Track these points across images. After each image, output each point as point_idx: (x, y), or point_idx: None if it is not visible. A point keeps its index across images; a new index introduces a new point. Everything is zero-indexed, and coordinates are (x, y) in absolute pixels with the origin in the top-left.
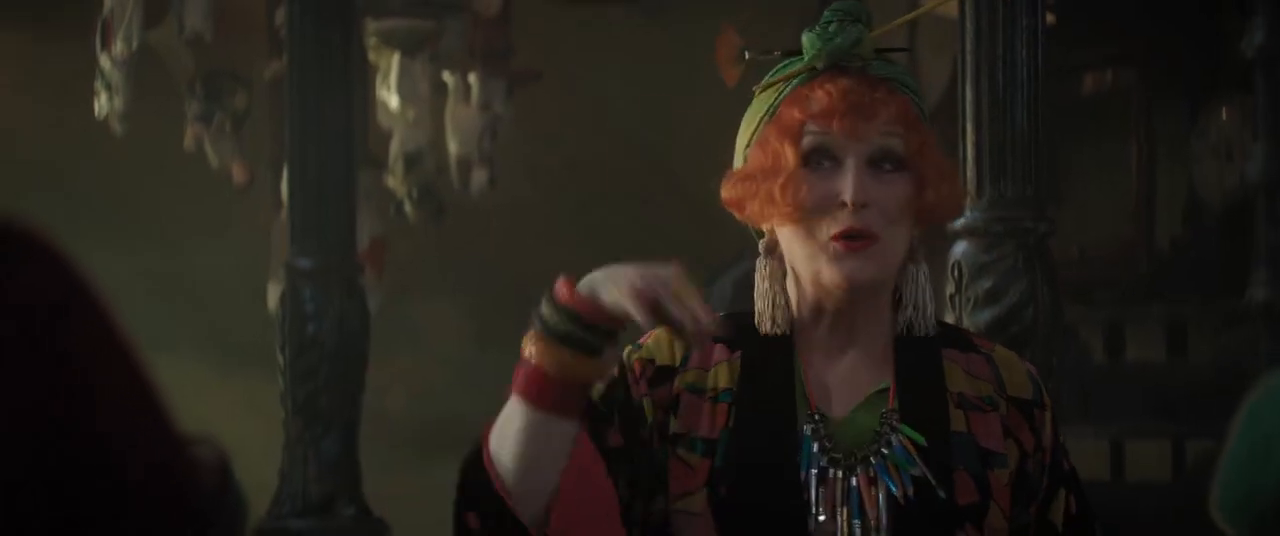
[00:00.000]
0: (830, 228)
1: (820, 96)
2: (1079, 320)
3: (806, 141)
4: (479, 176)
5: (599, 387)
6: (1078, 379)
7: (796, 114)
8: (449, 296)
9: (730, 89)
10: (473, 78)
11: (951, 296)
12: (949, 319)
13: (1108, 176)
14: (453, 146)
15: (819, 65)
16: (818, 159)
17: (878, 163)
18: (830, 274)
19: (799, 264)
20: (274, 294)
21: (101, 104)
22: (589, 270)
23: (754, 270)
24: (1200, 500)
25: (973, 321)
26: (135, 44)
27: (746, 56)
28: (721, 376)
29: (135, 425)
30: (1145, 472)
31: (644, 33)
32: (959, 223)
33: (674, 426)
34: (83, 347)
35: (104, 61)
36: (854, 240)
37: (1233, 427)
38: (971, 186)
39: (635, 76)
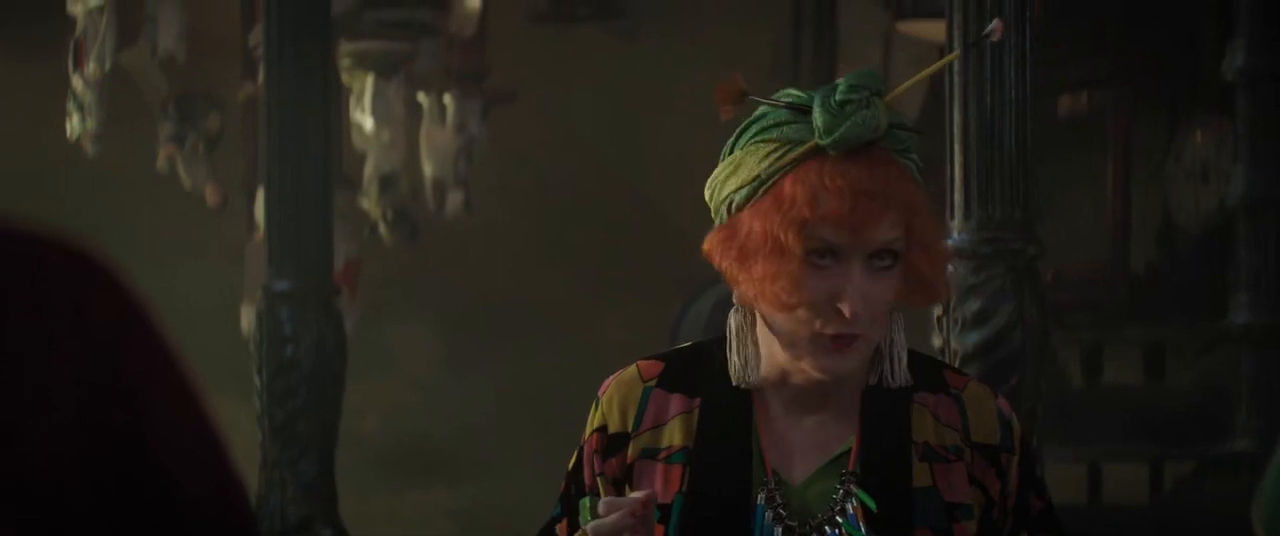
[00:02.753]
0: (821, 325)
1: (830, 200)
2: (1057, 343)
3: (811, 241)
4: (454, 198)
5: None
6: (1056, 401)
7: (804, 210)
8: (421, 318)
9: (713, 106)
10: (448, 99)
11: (939, 318)
12: (936, 341)
13: (1083, 198)
14: (427, 168)
15: (831, 152)
16: (819, 254)
17: (876, 258)
18: (812, 365)
19: (780, 334)
20: (248, 315)
21: (73, 125)
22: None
23: (729, 295)
24: (1177, 522)
25: (961, 343)
26: (108, 65)
27: (747, 98)
28: (676, 433)
29: (192, 448)
30: (1123, 495)
31: (618, 54)
32: (948, 243)
33: (627, 494)
34: (142, 370)
35: (76, 82)
36: (843, 339)
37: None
38: (959, 208)
39: (610, 98)
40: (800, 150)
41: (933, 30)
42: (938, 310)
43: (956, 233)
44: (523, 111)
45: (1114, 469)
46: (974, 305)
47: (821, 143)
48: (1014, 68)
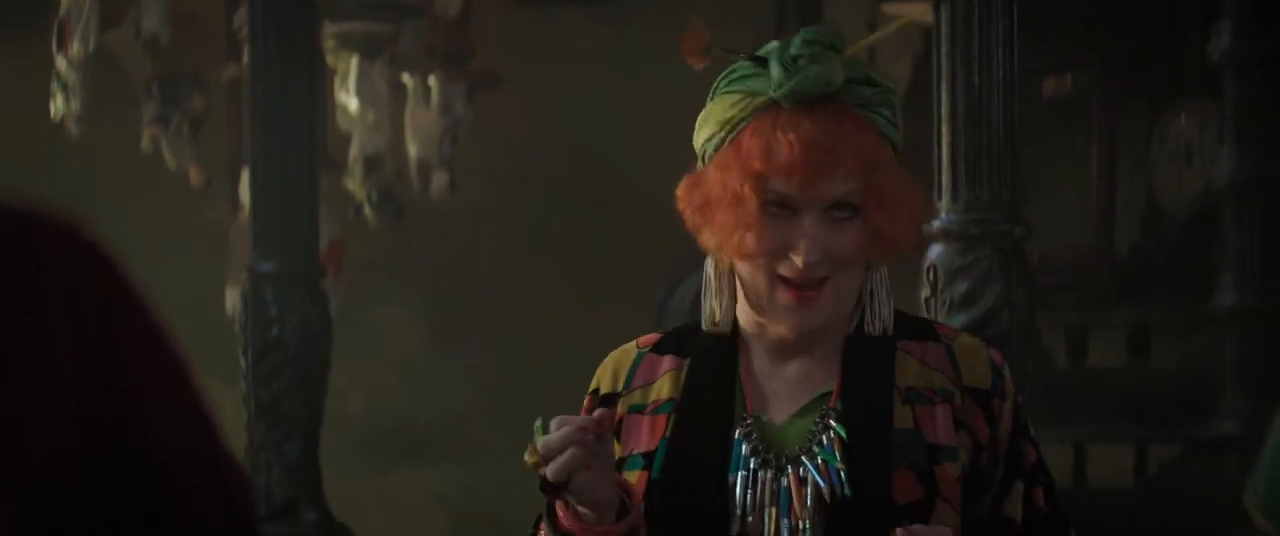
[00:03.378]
0: (782, 268)
1: (783, 149)
2: (1042, 325)
3: (766, 191)
4: (438, 180)
5: None
6: (1041, 383)
7: (756, 163)
8: (405, 300)
9: (699, 89)
10: (432, 80)
11: (927, 299)
12: None
13: (1067, 181)
14: (412, 149)
15: (785, 104)
16: (776, 204)
17: (834, 209)
18: (778, 324)
19: (748, 288)
20: (232, 297)
21: (57, 106)
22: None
23: None
24: (1162, 504)
25: (948, 324)
26: (92, 46)
27: (712, 52)
28: (665, 388)
29: (188, 433)
30: (1108, 477)
31: (602, 37)
32: (935, 225)
33: (618, 452)
34: (137, 354)
35: (60, 63)
36: (803, 289)
37: (1274, 425)
38: (947, 190)
39: (593, 80)
40: (759, 101)
41: (918, 11)
42: (925, 291)
43: (944, 214)
44: (508, 94)
45: (1099, 451)
46: (961, 287)
47: (774, 95)
48: (1001, 49)
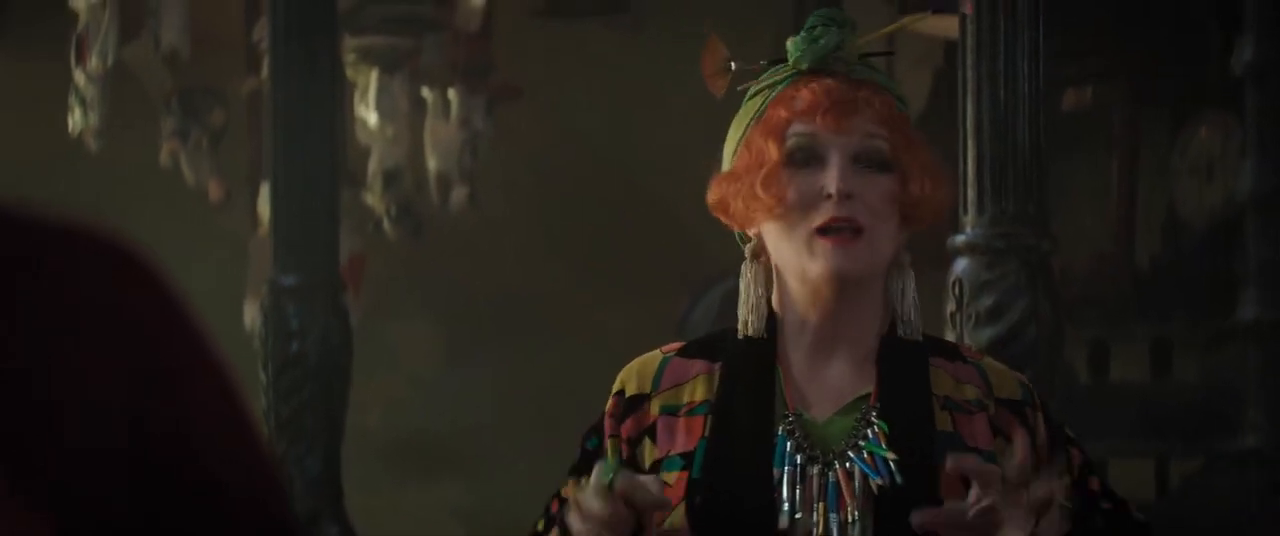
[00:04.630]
0: (815, 219)
1: (804, 95)
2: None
3: (791, 141)
4: (458, 193)
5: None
6: (1062, 397)
7: (782, 113)
8: (425, 313)
9: (717, 100)
10: (452, 94)
11: (952, 314)
12: (949, 337)
13: (1088, 194)
14: (432, 163)
15: (803, 66)
16: (802, 157)
17: (861, 161)
18: (816, 268)
19: (785, 259)
20: (251, 311)
21: (76, 120)
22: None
23: (738, 289)
24: (1184, 518)
25: (974, 339)
26: (111, 60)
27: (732, 67)
28: (698, 389)
29: (232, 443)
30: (1130, 492)
31: (621, 49)
32: (960, 239)
33: (652, 454)
34: (182, 365)
35: (79, 77)
36: (840, 232)
37: None
38: (973, 203)
39: (613, 93)
40: (781, 82)
41: (939, 25)
42: (950, 306)
43: (970, 228)
44: (527, 107)
45: (1120, 465)
46: (987, 301)
47: (792, 62)
48: (1027, 62)
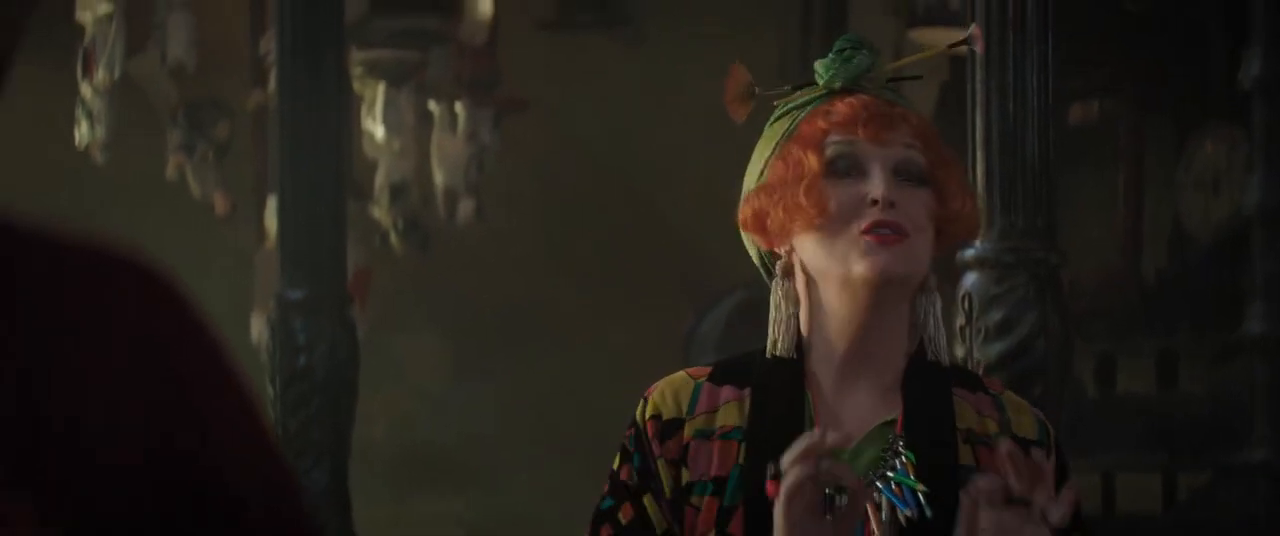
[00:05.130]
0: (860, 224)
1: (842, 108)
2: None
3: (830, 150)
4: (465, 207)
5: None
6: (1069, 410)
7: (820, 124)
8: (431, 327)
9: (722, 113)
10: (459, 107)
11: (962, 328)
12: (959, 351)
13: (1094, 207)
14: (439, 177)
15: (836, 85)
16: (844, 165)
17: (900, 173)
18: (861, 267)
19: (826, 267)
20: (258, 324)
21: (82, 133)
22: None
23: (745, 304)
24: (1191, 532)
25: (983, 353)
26: (117, 73)
27: (756, 92)
28: (730, 414)
29: (255, 463)
30: (1136, 505)
31: (629, 62)
32: (970, 253)
33: (685, 477)
34: (200, 382)
35: (85, 91)
36: (884, 233)
37: None
38: (982, 217)
39: (620, 106)
40: (812, 97)
41: (945, 37)
42: (960, 319)
43: (979, 242)
44: (534, 119)
45: (1127, 478)
46: (996, 315)
47: (823, 83)
48: (1036, 76)
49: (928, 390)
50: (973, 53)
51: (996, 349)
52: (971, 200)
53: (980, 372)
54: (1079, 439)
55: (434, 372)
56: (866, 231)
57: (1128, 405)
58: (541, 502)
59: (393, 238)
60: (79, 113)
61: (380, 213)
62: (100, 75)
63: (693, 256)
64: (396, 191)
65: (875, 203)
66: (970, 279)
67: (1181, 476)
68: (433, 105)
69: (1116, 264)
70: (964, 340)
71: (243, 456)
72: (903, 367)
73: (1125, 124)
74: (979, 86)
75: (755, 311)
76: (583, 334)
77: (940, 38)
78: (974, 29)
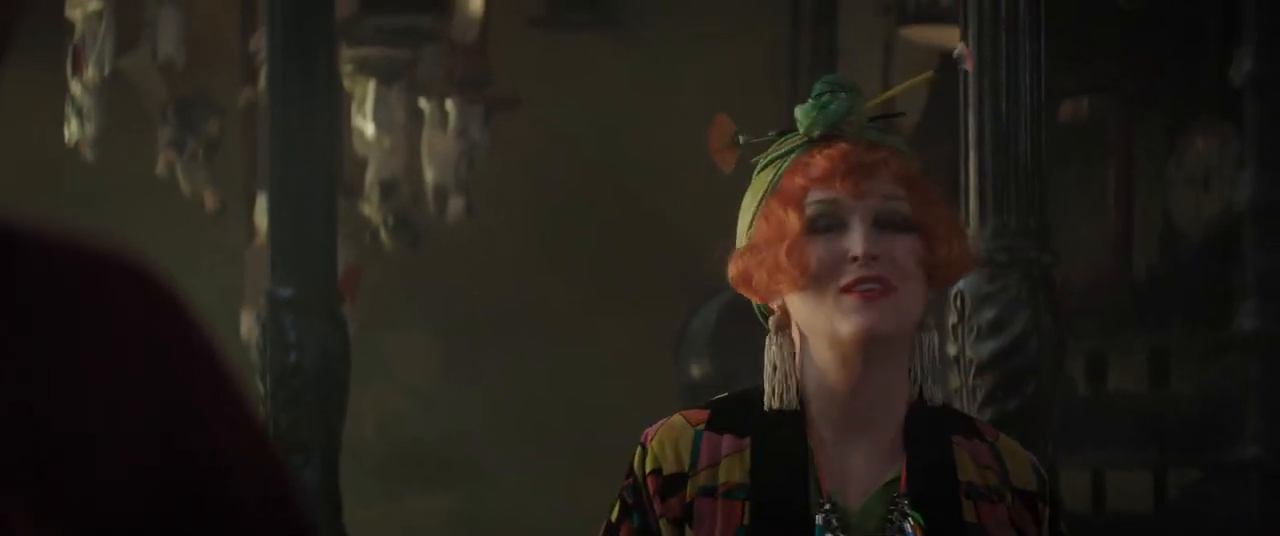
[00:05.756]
0: (841, 281)
1: (820, 161)
2: None
3: (810, 209)
4: (455, 204)
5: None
6: (1060, 407)
7: (799, 181)
8: (419, 323)
9: (713, 112)
10: (449, 105)
11: (954, 326)
12: (951, 350)
13: (1085, 205)
14: (429, 174)
15: (815, 133)
16: (824, 223)
17: (883, 224)
18: (846, 326)
19: (814, 325)
20: (248, 321)
21: (72, 130)
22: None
23: (736, 301)
24: (1182, 530)
25: (976, 351)
26: (107, 70)
27: (740, 141)
28: (734, 470)
29: (252, 461)
30: (1127, 503)
31: (619, 60)
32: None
33: None
34: (199, 384)
35: (75, 87)
36: (867, 289)
37: None
38: (974, 216)
39: (610, 104)
40: (794, 150)
41: (936, 35)
42: (952, 318)
43: (971, 241)
44: (525, 117)
45: (1118, 476)
46: (989, 314)
47: (803, 130)
48: (1028, 75)
49: (929, 444)
50: (965, 47)
51: (989, 347)
52: (960, 241)
53: (970, 372)
54: (1070, 436)
55: (424, 370)
56: (848, 289)
57: (1119, 403)
58: (532, 499)
59: (383, 235)
60: (68, 110)
61: (370, 210)
62: (90, 72)
63: (685, 253)
64: (387, 189)
65: (855, 259)
66: (962, 277)
67: (1172, 474)
68: (423, 103)
69: (1107, 261)
70: (956, 338)
71: (242, 457)
72: (903, 417)
73: (1116, 120)
74: (971, 85)
75: (746, 308)
76: (573, 331)
77: (932, 36)
78: (962, 47)
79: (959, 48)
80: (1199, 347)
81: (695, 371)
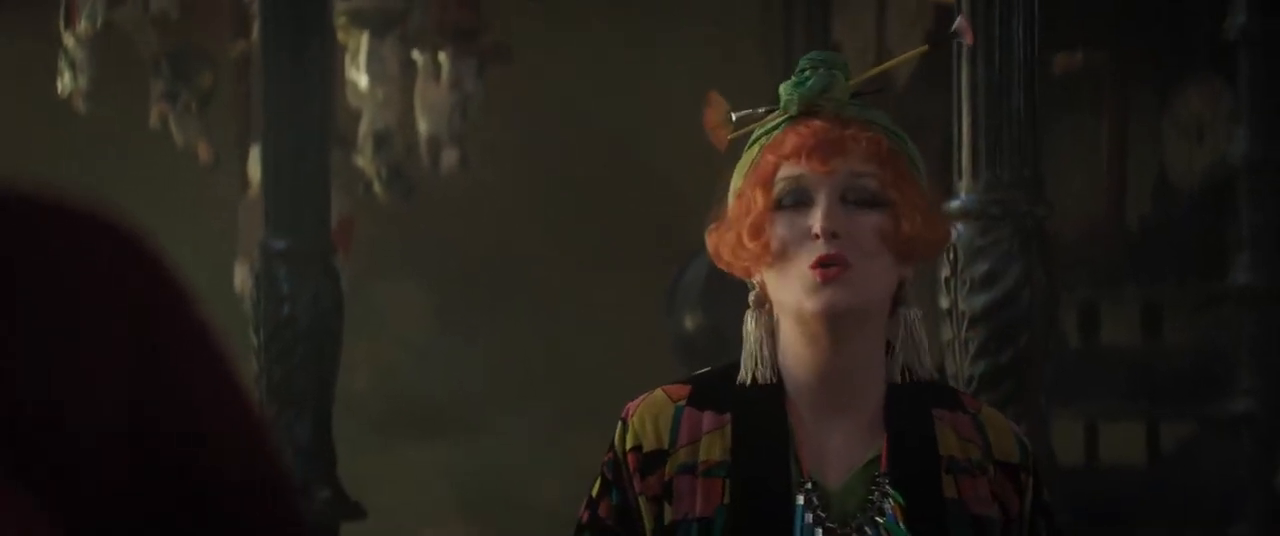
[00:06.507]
0: (805, 260)
1: (791, 138)
2: None
3: (779, 186)
4: (449, 156)
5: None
6: (1053, 360)
7: (769, 158)
8: (413, 275)
9: (706, 64)
10: (443, 56)
11: (947, 279)
12: (943, 303)
13: (1078, 157)
14: (422, 126)
15: (792, 111)
16: (791, 200)
17: (849, 199)
18: (810, 303)
19: (784, 302)
20: (241, 273)
21: (65, 82)
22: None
23: None
24: (1174, 482)
25: (968, 304)
26: (100, 22)
27: (733, 118)
28: (714, 447)
29: (231, 420)
30: (1120, 455)
31: (612, 12)
32: (955, 205)
33: (669, 515)
34: (182, 348)
35: (68, 40)
36: (828, 268)
37: None
38: (967, 169)
39: (603, 56)
40: (776, 124)
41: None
42: (945, 271)
43: (964, 194)
44: (518, 70)
45: (1111, 428)
46: (982, 267)
47: (785, 108)
48: (1022, 28)
49: (909, 421)
50: (959, 5)
51: (981, 300)
52: (929, 220)
53: (963, 324)
54: (1062, 389)
55: (418, 322)
56: (813, 267)
57: (1111, 355)
58: (525, 451)
59: (376, 186)
60: (62, 62)
61: (364, 162)
62: (83, 24)
63: (677, 207)
64: (380, 140)
65: (817, 236)
66: (955, 230)
67: (1165, 426)
68: (416, 54)
69: (1100, 213)
70: (949, 291)
71: (222, 420)
72: (883, 395)
73: (1109, 73)
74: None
75: None
76: (567, 284)
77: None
78: (960, 21)
79: (958, 21)
80: (1192, 300)
81: (688, 323)
